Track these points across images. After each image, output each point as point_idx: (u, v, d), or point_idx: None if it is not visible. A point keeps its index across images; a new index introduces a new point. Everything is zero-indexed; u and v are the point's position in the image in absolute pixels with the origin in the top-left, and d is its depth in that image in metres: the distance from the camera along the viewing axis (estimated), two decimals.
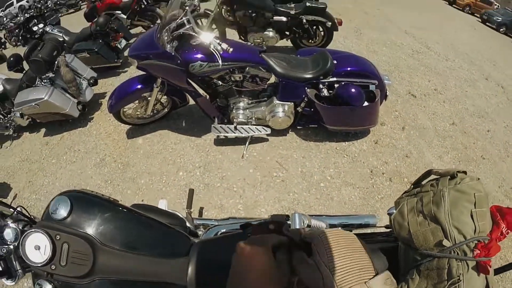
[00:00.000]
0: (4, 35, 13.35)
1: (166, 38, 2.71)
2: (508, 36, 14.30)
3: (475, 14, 17.37)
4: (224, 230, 1.25)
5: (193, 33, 2.63)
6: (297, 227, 0.97)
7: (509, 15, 15.80)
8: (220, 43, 2.55)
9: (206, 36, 2.57)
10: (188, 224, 1.32)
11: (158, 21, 6.25)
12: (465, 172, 0.79)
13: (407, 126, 3.77)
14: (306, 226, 0.99)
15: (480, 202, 0.72)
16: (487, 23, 15.34)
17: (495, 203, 2.75)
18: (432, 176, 0.89)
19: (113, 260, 0.92)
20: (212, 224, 1.37)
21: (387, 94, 3.18)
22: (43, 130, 4.30)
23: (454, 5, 18.18)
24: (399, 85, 4.76)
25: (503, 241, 0.74)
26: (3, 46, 12.11)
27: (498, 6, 20.85)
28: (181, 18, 2.73)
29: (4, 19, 18.59)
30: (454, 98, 4.68)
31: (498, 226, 0.72)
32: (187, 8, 2.82)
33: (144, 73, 2.95)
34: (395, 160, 3.24)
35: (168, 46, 2.69)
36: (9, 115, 4.29)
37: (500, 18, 15.09)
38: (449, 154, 3.49)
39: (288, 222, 1.00)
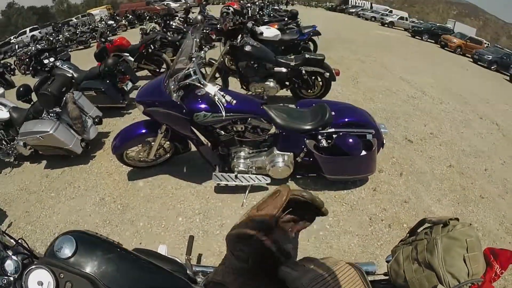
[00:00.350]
0: (14, 61, 13.80)
1: (173, 87, 2.84)
2: (500, 73, 14.72)
3: (467, 55, 18.04)
4: None
5: (199, 84, 2.77)
6: None
7: (499, 52, 16.32)
8: (224, 95, 2.67)
9: (211, 88, 2.71)
10: (188, 271, 1.33)
11: (164, 65, 6.54)
12: (457, 219, 0.85)
13: (405, 172, 3.84)
14: None
15: (472, 246, 0.77)
16: (479, 62, 15.85)
17: (497, 241, 2.80)
18: (426, 224, 0.95)
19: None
20: (209, 271, 1.38)
21: (384, 142, 3.28)
22: (44, 162, 4.34)
23: (446, 48, 18.96)
24: (396, 131, 4.89)
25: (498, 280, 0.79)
26: (12, 72, 12.42)
27: (488, 44, 21.68)
28: (188, 69, 2.88)
29: (16, 46, 19.25)
30: (450, 141, 4.80)
31: (492, 267, 0.76)
32: (193, 59, 2.97)
33: (149, 118, 3.07)
34: (393, 206, 3.27)
35: (175, 95, 2.81)
36: (12, 143, 4.37)
37: (491, 56, 15.62)
38: (447, 196, 3.53)
39: None
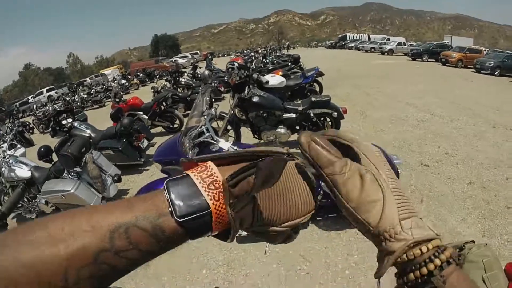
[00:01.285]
0: (33, 121, 14.47)
1: (187, 145, 2.99)
2: (505, 76, 14.52)
3: (469, 66, 17.70)
4: None
5: (212, 141, 2.92)
6: None
7: (500, 56, 16.06)
8: (237, 149, 2.80)
9: (224, 144, 2.86)
10: None
11: (177, 121, 6.82)
12: (473, 241, 0.88)
13: (425, 198, 3.77)
14: None
15: (490, 265, 0.78)
16: (482, 71, 15.57)
17: None
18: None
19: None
20: None
21: (399, 172, 3.28)
22: None
23: (447, 64, 18.76)
24: (411, 158, 4.85)
25: None
26: (30, 131, 12.99)
27: (487, 51, 21.36)
28: (201, 127, 3.05)
29: (34, 106, 20.25)
30: (466, 157, 4.72)
31: None
32: (205, 117, 3.15)
33: (167, 176, 3.20)
34: None
35: (190, 152, 2.95)
36: (34, 200, 4.52)
37: (492, 62, 15.42)
38: (472, 214, 3.44)
39: None
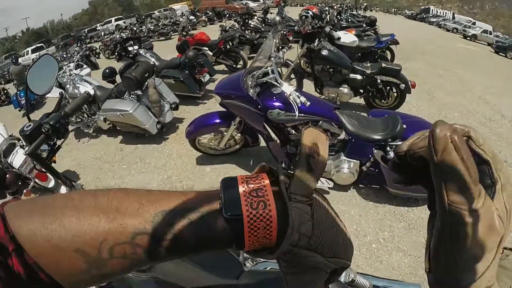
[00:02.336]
0: (100, 46, 15.32)
1: (250, 83, 2.99)
2: None
3: None
4: (270, 267, 1.29)
5: (276, 83, 2.88)
6: (342, 280, 1.01)
7: None
8: (299, 95, 2.74)
9: (287, 88, 2.80)
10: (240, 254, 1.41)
11: (240, 62, 6.81)
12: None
13: None
14: (350, 280, 1.02)
15: None
16: None
17: None
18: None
19: (172, 265, 1.04)
20: (259, 260, 1.40)
21: None
22: (120, 137, 4.80)
23: None
24: None
25: None
26: (97, 56, 13.80)
27: None
28: (266, 68, 3.00)
29: (102, 33, 21.28)
30: None
31: None
32: (272, 59, 3.08)
33: (224, 109, 3.25)
34: None
35: (251, 90, 2.95)
36: (93, 117, 4.92)
37: None
38: None
39: None
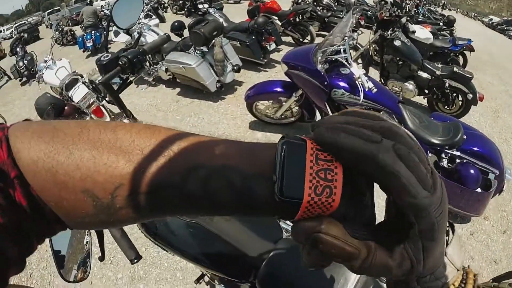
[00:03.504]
0: (168, 1, 15.56)
1: (320, 58, 2.99)
2: None
3: None
4: None
5: (346, 63, 2.87)
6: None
7: None
8: (367, 80, 2.73)
9: (357, 70, 2.79)
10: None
11: (308, 37, 6.71)
12: None
13: (510, 231, 3.37)
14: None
15: None
16: None
17: None
18: None
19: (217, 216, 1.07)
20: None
21: (504, 189, 2.98)
22: (178, 89, 4.99)
23: None
24: None
25: None
26: (164, 10, 14.11)
27: None
28: (339, 46, 2.98)
29: None
30: None
31: None
32: (346, 38, 3.05)
33: (287, 79, 3.30)
34: (482, 260, 2.97)
35: (320, 65, 2.96)
36: (155, 65, 5.11)
37: None
38: None
39: None
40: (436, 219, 0.25)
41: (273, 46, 5.62)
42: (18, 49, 8.62)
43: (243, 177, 0.27)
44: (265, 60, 5.64)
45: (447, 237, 0.34)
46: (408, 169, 0.24)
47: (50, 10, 27.19)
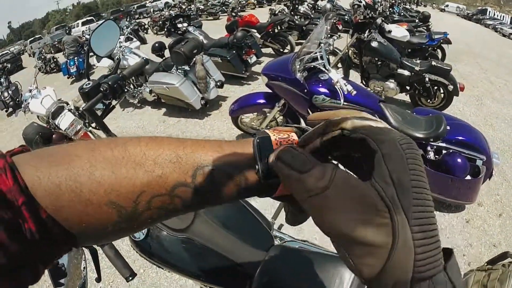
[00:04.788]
0: (148, 22, 15.75)
1: (298, 66, 3.05)
2: None
3: None
4: (299, 246, 1.36)
5: (324, 69, 2.92)
6: None
7: None
8: (346, 84, 2.78)
9: (335, 75, 2.84)
10: (270, 230, 1.43)
11: (288, 47, 6.84)
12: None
13: (505, 214, 3.41)
14: None
15: None
16: None
17: None
18: (509, 259, 0.96)
19: (207, 229, 1.12)
20: (288, 239, 1.47)
21: (493, 173, 3.02)
22: (163, 109, 5.02)
23: None
24: (509, 168, 4.30)
25: None
26: (145, 31, 14.22)
27: None
28: (316, 53, 3.04)
29: (152, 9, 21.76)
30: None
31: None
32: (322, 45, 3.11)
33: (270, 90, 3.34)
34: (480, 246, 2.99)
35: (299, 74, 3.01)
36: (139, 88, 5.15)
37: None
38: None
39: None
40: (402, 146, 0.26)
41: (254, 58, 5.71)
42: (2, 80, 8.66)
43: (238, 169, 0.34)
44: (247, 73, 5.72)
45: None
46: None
47: (32, 38, 27.44)
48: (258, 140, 0.35)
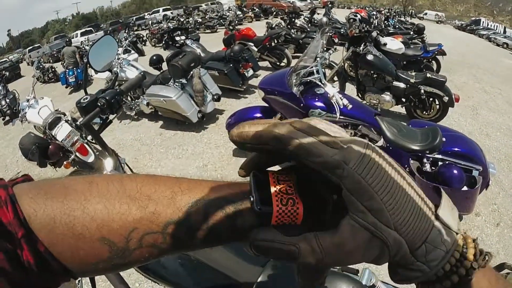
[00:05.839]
0: (147, 34, 15.90)
1: (294, 81, 3.09)
2: None
3: None
4: None
5: (320, 83, 2.95)
6: (364, 282, 1.04)
7: None
8: (342, 98, 2.81)
9: (331, 89, 2.87)
10: None
11: (285, 60, 6.91)
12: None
13: (503, 224, 3.40)
14: (371, 284, 1.05)
15: None
16: None
17: None
18: (506, 270, 0.95)
19: None
20: None
21: (489, 183, 3.02)
22: (160, 122, 5.03)
23: None
24: (506, 177, 4.32)
25: None
26: (143, 43, 14.33)
27: None
28: (312, 67, 3.08)
29: (150, 22, 21.98)
30: None
31: None
32: (318, 59, 3.15)
33: (266, 104, 3.37)
34: None
35: (295, 88, 3.05)
36: (136, 100, 5.18)
37: None
38: None
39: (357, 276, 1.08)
40: (361, 174, 0.27)
41: (251, 72, 5.76)
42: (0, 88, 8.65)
43: (233, 205, 0.32)
44: (244, 87, 5.76)
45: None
46: (308, 135, 0.28)
47: (31, 47, 27.52)
48: (253, 176, 0.34)
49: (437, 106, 4.76)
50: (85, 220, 0.31)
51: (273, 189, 0.32)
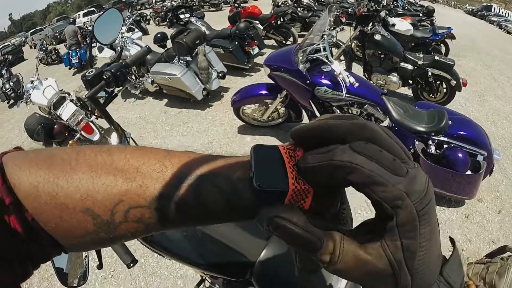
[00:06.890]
0: (150, 13, 15.69)
1: (301, 58, 3.04)
2: None
3: None
4: None
5: (326, 60, 2.91)
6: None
7: None
8: (348, 76, 2.77)
9: (337, 66, 2.83)
10: None
11: (290, 38, 6.81)
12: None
13: (504, 211, 3.41)
14: None
15: None
16: None
17: None
18: (508, 253, 0.96)
19: None
20: None
21: (493, 169, 3.01)
22: (165, 100, 5.02)
23: None
24: (510, 165, 4.30)
25: None
26: (147, 22, 14.17)
27: None
28: (319, 45, 3.03)
29: (153, 0, 21.58)
30: None
31: None
32: (325, 37, 3.10)
33: (272, 82, 3.33)
34: (479, 242, 2.99)
35: (301, 65, 3.01)
36: (141, 78, 5.14)
37: None
38: None
39: None
40: (418, 212, 0.24)
41: (256, 50, 5.69)
42: (3, 72, 8.67)
43: (229, 181, 0.29)
44: (249, 65, 5.70)
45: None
46: (371, 160, 0.24)
47: (33, 30, 27.22)
48: (256, 148, 0.29)
49: (444, 90, 4.70)
50: (68, 190, 0.29)
51: (287, 164, 0.28)
